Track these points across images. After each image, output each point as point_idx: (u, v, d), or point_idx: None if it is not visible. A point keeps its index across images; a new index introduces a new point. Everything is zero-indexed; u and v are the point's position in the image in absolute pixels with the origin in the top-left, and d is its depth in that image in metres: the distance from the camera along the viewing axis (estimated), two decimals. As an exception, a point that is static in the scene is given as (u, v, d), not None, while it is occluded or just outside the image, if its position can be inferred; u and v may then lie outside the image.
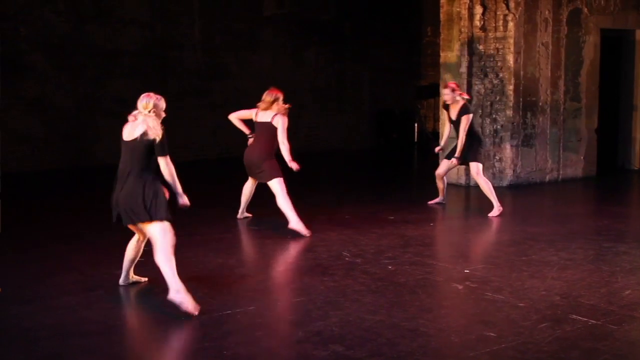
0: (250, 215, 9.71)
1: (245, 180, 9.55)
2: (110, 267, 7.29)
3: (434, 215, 10.68)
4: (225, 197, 11.40)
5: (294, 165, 8.69)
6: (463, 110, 10.06)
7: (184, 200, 6.19)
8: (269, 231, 9.12)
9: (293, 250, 8.35)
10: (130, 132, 6.14)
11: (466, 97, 10.38)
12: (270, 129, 8.91)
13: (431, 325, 5.83)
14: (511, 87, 12.33)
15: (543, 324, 5.80)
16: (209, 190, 12.04)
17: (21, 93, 14.22)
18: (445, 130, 10.75)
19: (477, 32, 12.47)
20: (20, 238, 8.76)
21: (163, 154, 6.09)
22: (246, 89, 16.56)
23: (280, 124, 8.83)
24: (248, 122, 9.39)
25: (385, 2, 18.56)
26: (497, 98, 12.41)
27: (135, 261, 6.69)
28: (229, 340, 5.40)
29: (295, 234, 8.75)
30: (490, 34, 12.45)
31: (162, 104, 6.28)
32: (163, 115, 6.27)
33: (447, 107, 10.35)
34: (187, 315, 5.75)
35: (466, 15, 12.48)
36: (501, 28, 12.40)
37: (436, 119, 16.53)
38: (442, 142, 10.87)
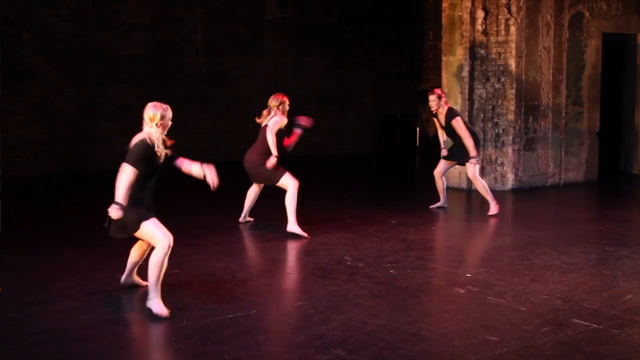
0: (252, 219, 9.71)
1: (250, 184, 9.54)
2: (111, 272, 7.28)
3: (436, 219, 10.67)
4: (227, 202, 11.39)
5: (271, 160, 8.84)
6: (450, 115, 10.13)
7: (111, 209, 5.87)
8: (270, 235, 9.12)
9: (294, 254, 8.35)
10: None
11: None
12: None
13: (433, 329, 5.82)
14: (513, 91, 12.33)
15: (545, 328, 5.79)
16: (210, 194, 12.01)
17: (23, 97, 14.23)
18: (440, 136, 10.78)
19: (479, 36, 12.48)
20: (21, 242, 8.76)
21: (125, 160, 5.98)
22: (248, 94, 16.60)
23: (272, 121, 8.86)
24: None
25: (388, 6, 18.58)
26: (499, 102, 12.41)
27: (139, 264, 6.67)
28: (230, 344, 5.39)
29: (296, 237, 8.75)
30: (492, 38, 12.45)
31: (169, 113, 6.43)
32: (169, 124, 6.43)
33: (435, 114, 10.45)
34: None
35: (468, 20, 12.49)
36: (503, 32, 12.40)
37: (438, 123, 16.51)
38: (443, 147, 10.86)
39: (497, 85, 12.45)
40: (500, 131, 12.46)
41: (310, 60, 17.65)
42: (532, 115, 12.63)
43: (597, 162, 13.58)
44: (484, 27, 12.45)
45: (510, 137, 12.40)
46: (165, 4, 15.75)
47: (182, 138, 16.00)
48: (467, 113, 12.33)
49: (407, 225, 9.75)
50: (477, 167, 10.26)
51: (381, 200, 12.10)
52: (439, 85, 13.61)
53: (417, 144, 19.00)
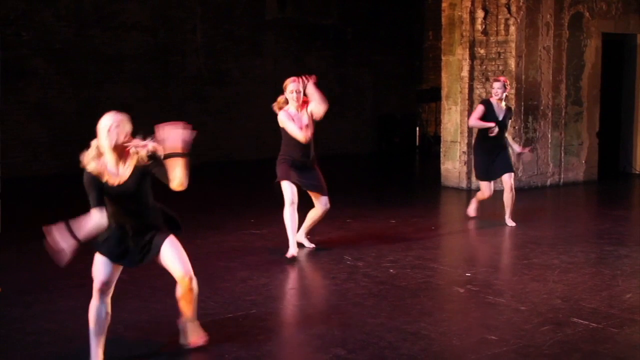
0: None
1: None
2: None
3: (436, 219, 10.69)
4: (227, 201, 11.41)
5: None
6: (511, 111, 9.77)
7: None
8: (270, 235, 9.13)
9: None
10: None
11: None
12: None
13: (433, 328, 5.83)
14: (512, 91, 12.34)
15: (544, 327, 5.81)
16: (210, 194, 12.04)
17: (23, 97, 14.25)
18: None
19: (479, 36, 12.49)
20: (22, 242, 8.76)
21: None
22: (248, 94, 16.63)
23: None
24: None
25: (387, 6, 18.59)
26: (499, 102, 12.41)
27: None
28: (230, 343, 5.40)
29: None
30: (491, 38, 12.46)
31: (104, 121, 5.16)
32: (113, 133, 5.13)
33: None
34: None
35: (468, 19, 12.49)
36: (503, 32, 12.41)
37: (438, 123, 16.52)
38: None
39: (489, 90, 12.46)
40: (500, 131, 12.45)
41: (310, 60, 17.65)
42: (531, 115, 12.64)
43: (597, 161, 13.60)
44: (483, 26, 12.46)
45: (510, 137, 12.39)
46: (165, 4, 15.75)
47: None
48: (466, 113, 12.33)
49: (407, 225, 9.76)
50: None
51: (381, 199, 12.11)
52: (439, 85, 13.63)
53: (417, 143, 19.01)
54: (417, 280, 7.19)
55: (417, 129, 19.09)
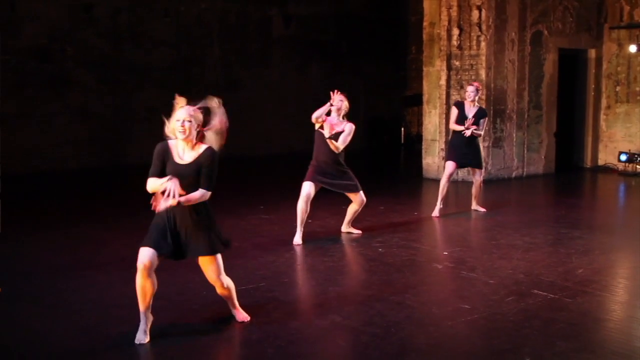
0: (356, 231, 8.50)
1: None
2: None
3: (418, 206, 10.69)
4: (239, 191, 11.41)
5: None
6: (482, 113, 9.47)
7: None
8: (277, 220, 9.13)
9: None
10: None
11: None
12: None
13: (415, 299, 5.84)
14: (483, 97, 12.33)
15: (510, 298, 5.82)
16: (225, 185, 12.03)
17: (67, 102, 14.24)
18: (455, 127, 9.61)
19: (455, 50, 12.46)
20: (66, 225, 8.78)
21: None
22: (258, 99, 16.61)
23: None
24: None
25: (377, 25, 18.56)
26: (471, 106, 12.39)
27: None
28: (243, 311, 5.40)
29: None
30: (465, 52, 12.44)
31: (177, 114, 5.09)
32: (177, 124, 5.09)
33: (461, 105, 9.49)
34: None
35: (445, 36, 12.47)
36: (475, 47, 12.39)
37: (420, 124, 16.48)
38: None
39: (462, 94, 12.44)
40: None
41: (311, 70, 17.62)
42: (499, 117, 12.63)
43: (554, 157, 13.60)
44: (458, 42, 12.43)
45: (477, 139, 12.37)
46: (188, 23, 15.72)
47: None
48: (444, 115, 12.32)
49: (393, 211, 9.77)
50: (446, 165, 9.80)
51: (371, 189, 12.06)
52: (421, 92, 13.61)
53: (402, 142, 18.99)
54: (402, 258, 7.20)
55: (402, 129, 19.07)
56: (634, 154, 13.45)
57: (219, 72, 16.24)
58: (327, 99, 7.88)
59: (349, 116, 8.08)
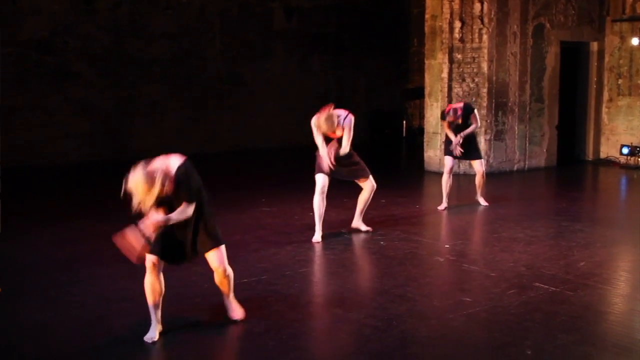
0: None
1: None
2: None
3: (419, 199, 10.69)
4: (240, 184, 11.41)
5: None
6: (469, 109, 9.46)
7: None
8: (279, 212, 9.14)
9: (300, 228, 8.34)
10: None
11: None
12: None
13: (416, 291, 5.85)
14: (485, 90, 12.32)
15: (511, 291, 5.82)
16: (226, 177, 12.05)
17: (69, 96, 14.23)
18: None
19: (456, 43, 12.44)
20: (68, 218, 8.79)
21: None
22: (259, 92, 16.60)
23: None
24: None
25: (378, 17, 18.52)
26: (473, 99, 12.39)
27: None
28: (244, 304, 5.39)
29: (303, 217, 8.73)
30: (467, 45, 12.42)
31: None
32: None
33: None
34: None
35: (447, 29, 12.45)
36: (477, 40, 12.37)
37: (421, 117, 16.49)
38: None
39: (471, 85, 12.44)
40: (474, 124, 12.44)
41: (312, 63, 17.59)
42: (501, 110, 12.62)
43: (556, 150, 13.59)
44: (460, 35, 12.41)
45: (483, 129, 12.39)
46: (189, 16, 15.69)
47: (203, 129, 16.18)
48: (445, 109, 12.31)
49: (395, 204, 9.77)
50: (445, 160, 9.83)
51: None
52: (422, 85, 13.60)
53: (404, 135, 18.97)
54: (403, 250, 7.20)
55: (404, 122, 19.03)
56: (636, 147, 13.43)
57: (220, 65, 16.22)
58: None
59: (351, 109, 8.02)
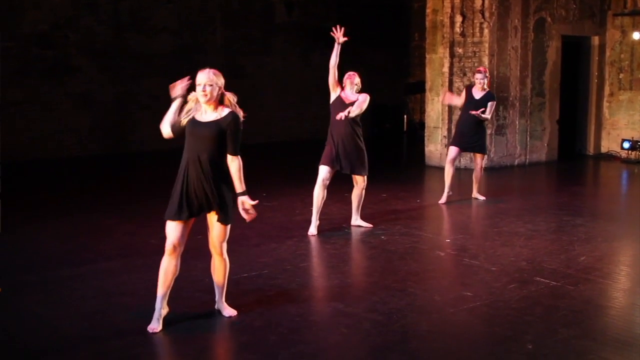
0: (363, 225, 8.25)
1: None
2: (143, 237, 7.32)
3: (420, 194, 10.68)
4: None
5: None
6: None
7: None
8: (280, 207, 9.13)
9: (301, 223, 8.33)
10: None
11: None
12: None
13: (417, 286, 5.84)
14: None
15: (512, 285, 5.82)
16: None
17: (70, 90, 14.21)
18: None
19: (457, 37, 12.42)
20: (68, 212, 8.78)
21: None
22: (260, 86, 16.57)
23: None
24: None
25: (379, 12, 18.49)
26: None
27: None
28: (245, 298, 5.42)
29: (303, 212, 8.71)
30: (468, 39, 12.40)
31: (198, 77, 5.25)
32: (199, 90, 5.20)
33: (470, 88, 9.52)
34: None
35: (448, 23, 12.43)
36: (478, 34, 12.35)
37: (422, 111, 16.48)
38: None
39: (472, 79, 12.41)
40: (475, 118, 12.42)
41: (313, 57, 17.56)
42: (502, 105, 12.60)
43: (557, 145, 13.58)
44: (461, 29, 12.39)
45: (484, 123, 12.35)
46: (190, 10, 15.67)
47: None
48: (446, 103, 12.30)
49: (396, 198, 9.76)
50: (449, 151, 9.85)
51: (373, 176, 12.06)
52: (423, 79, 13.58)
53: (405, 129, 18.96)
54: (404, 245, 7.20)
55: (405, 116, 19.02)
56: (637, 141, 13.42)
57: (221, 59, 16.18)
58: (328, 89, 7.85)
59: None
